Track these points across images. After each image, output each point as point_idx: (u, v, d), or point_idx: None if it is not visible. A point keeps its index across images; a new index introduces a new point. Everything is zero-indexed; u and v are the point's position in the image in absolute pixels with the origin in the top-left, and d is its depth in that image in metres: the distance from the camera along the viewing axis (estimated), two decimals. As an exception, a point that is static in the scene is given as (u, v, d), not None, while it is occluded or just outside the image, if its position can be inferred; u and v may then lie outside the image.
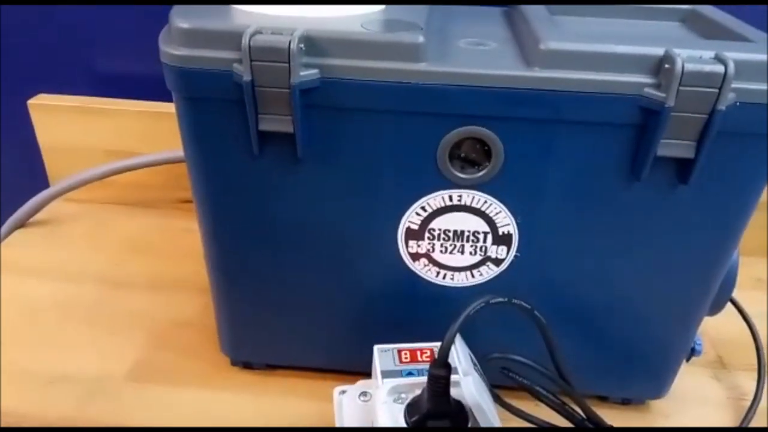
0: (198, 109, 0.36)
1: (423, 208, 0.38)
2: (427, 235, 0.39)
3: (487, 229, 0.39)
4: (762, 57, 0.33)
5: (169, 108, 0.62)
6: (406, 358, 0.37)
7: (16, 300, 0.55)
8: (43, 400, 0.45)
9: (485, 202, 0.38)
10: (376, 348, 0.37)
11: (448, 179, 0.37)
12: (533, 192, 0.37)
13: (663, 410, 0.47)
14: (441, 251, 0.40)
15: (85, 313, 0.54)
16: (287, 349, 0.47)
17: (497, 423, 0.33)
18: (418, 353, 0.37)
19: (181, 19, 0.34)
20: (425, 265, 0.41)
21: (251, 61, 0.33)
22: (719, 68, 0.32)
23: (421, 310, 0.42)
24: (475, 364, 0.35)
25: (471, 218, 0.38)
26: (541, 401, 0.37)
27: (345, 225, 0.40)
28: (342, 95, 0.35)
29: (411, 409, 0.34)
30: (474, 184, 0.37)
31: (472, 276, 0.41)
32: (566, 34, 0.36)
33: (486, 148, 0.36)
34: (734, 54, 0.32)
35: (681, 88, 0.32)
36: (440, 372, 0.32)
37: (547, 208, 0.38)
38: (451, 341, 0.32)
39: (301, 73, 0.33)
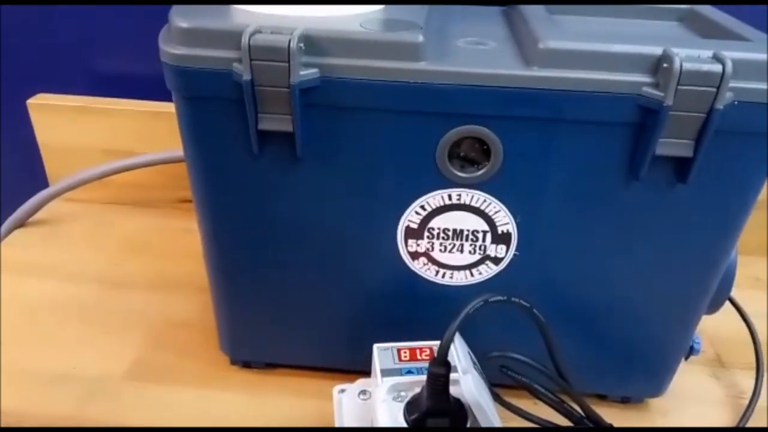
0: (198, 108, 0.36)
1: (422, 207, 0.38)
2: (426, 234, 0.39)
3: (486, 228, 0.39)
4: (760, 56, 0.33)
5: (169, 107, 0.63)
6: (405, 356, 0.37)
7: (15, 300, 0.55)
8: (43, 400, 0.45)
9: (484, 201, 0.38)
10: (376, 346, 0.37)
11: (448, 178, 0.37)
12: (532, 191, 0.37)
13: (662, 408, 0.47)
14: (440, 250, 0.40)
15: (84, 312, 0.54)
16: (286, 348, 0.47)
17: (496, 421, 0.33)
18: (418, 352, 0.37)
19: (181, 18, 0.34)
20: (424, 264, 0.41)
21: (251, 60, 0.33)
22: (717, 67, 0.32)
23: (420, 309, 0.42)
24: (474, 363, 0.35)
25: (470, 217, 0.38)
26: (541, 399, 0.37)
27: (344, 224, 0.40)
28: (341, 94, 0.35)
29: (410, 407, 0.34)
30: (473, 183, 0.37)
31: (472, 275, 0.41)
32: (565, 33, 0.36)
33: (485, 147, 0.36)
34: (732, 53, 0.32)
35: (679, 87, 0.32)
36: (440, 370, 0.32)
37: (545, 207, 0.38)
38: (451, 340, 0.32)
39: (301, 73, 0.33)
